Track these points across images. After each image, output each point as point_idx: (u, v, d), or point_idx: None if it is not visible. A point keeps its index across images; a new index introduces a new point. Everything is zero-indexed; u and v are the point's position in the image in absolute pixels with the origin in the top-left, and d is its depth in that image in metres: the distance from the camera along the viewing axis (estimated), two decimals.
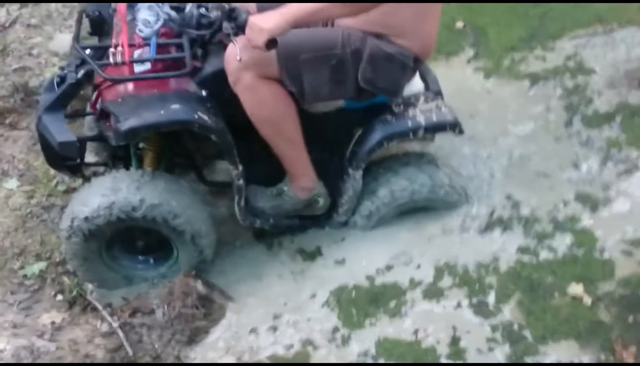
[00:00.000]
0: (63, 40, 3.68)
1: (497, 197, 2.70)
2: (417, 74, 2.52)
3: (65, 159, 2.43)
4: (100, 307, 2.43)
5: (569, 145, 2.88)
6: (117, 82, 2.28)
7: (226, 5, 2.10)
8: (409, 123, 2.41)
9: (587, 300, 2.31)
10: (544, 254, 2.47)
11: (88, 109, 2.60)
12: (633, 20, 3.39)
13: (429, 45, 2.36)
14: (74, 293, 2.50)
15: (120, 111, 2.20)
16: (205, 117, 2.21)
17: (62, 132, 2.27)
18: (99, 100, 2.36)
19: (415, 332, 2.27)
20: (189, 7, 2.27)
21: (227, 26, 2.11)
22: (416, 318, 2.31)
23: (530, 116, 3.03)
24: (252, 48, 2.06)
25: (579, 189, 2.67)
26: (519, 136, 2.96)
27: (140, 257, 2.50)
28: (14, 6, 4.02)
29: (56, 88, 2.32)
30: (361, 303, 2.37)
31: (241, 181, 2.37)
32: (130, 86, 2.29)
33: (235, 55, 2.13)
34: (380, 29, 2.27)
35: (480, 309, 2.32)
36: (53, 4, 3.98)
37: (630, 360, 2.12)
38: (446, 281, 2.41)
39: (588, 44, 3.31)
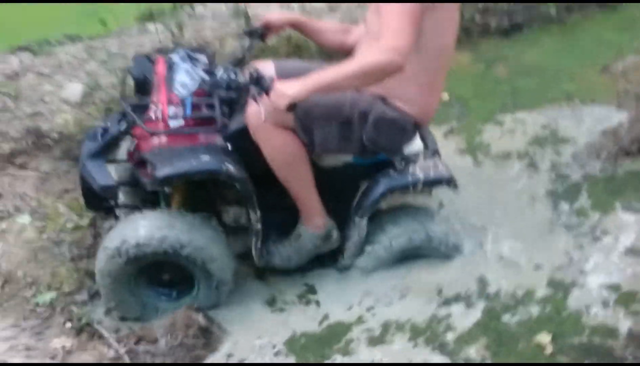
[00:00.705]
0: (73, 89, 3.93)
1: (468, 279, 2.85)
2: (418, 134, 2.82)
3: (102, 201, 2.71)
4: (107, 334, 2.63)
5: (544, 223, 3.10)
6: (155, 135, 2.56)
7: (254, 73, 2.39)
8: (410, 178, 2.70)
9: (550, 349, 2.50)
10: (517, 316, 2.64)
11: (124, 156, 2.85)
12: (597, 99, 3.78)
13: (429, 113, 2.69)
14: (83, 321, 2.70)
15: (157, 160, 2.50)
16: (231, 168, 2.51)
17: (104, 177, 2.59)
18: (137, 150, 2.64)
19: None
20: (220, 72, 2.57)
21: (253, 90, 2.40)
22: (370, 354, 2.54)
23: (506, 192, 3.30)
24: (274, 110, 2.37)
25: (553, 275, 2.82)
26: (491, 212, 3.19)
27: (161, 289, 2.73)
28: (26, 55, 4.30)
29: (99, 138, 2.64)
30: (313, 347, 2.60)
31: (259, 225, 2.65)
32: (165, 138, 2.57)
33: (256, 111, 2.44)
34: (386, 92, 2.57)
35: (442, 348, 2.53)
36: (64, 56, 4.27)
37: None
38: (400, 332, 2.63)
39: (558, 117, 3.69)
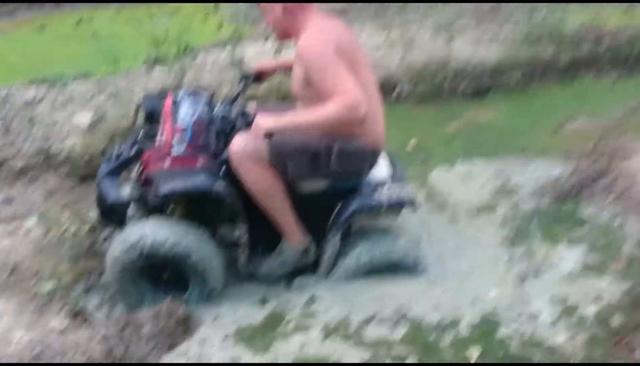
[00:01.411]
0: (83, 118, 4.42)
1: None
2: (387, 163, 3.28)
3: (114, 213, 3.16)
4: (98, 319, 3.01)
5: (490, 258, 3.42)
6: (160, 158, 3.02)
7: (241, 109, 2.92)
8: (376, 200, 3.13)
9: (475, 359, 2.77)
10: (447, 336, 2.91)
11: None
12: (546, 154, 4.27)
13: (378, 140, 3.13)
14: (77, 307, 3.08)
15: (160, 179, 2.97)
16: (221, 187, 2.98)
17: (116, 193, 3.10)
18: (144, 171, 3.11)
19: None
20: (217, 108, 3.08)
21: (240, 122, 2.91)
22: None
23: (462, 230, 3.69)
24: (255, 138, 2.85)
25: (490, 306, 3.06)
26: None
27: (158, 285, 3.11)
28: (42, 87, 4.79)
29: (114, 160, 3.12)
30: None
31: (246, 239, 3.10)
32: (168, 161, 3.02)
33: (237, 146, 2.93)
34: (345, 133, 3.00)
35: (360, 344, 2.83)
36: (77, 89, 4.76)
37: None
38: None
39: (510, 166, 4.17)
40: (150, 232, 2.97)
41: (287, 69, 3.41)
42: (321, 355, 2.79)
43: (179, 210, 3.14)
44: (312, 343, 2.86)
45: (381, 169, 3.28)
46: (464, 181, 4.09)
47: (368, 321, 2.97)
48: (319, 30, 2.92)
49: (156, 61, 4.89)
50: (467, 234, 3.66)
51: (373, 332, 2.91)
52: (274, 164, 3.00)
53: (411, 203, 3.20)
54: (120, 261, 2.98)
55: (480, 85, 5.08)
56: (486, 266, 3.41)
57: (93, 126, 4.36)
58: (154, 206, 3.12)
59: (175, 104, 3.11)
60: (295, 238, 3.17)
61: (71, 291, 3.19)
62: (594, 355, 2.78)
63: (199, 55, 4.97)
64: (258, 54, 5.05)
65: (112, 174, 3.12)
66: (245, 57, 4.83)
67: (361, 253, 3.22)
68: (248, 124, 2.86)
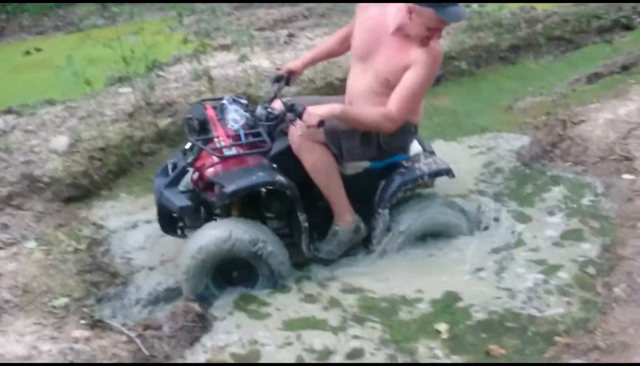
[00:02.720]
0: (60, 141, 4.49)
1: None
2: (417, 141, 3.56)
3: (175, 224, 3.33)
4: (118, 325, 3.14)
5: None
6: (216, 162, 3.22)
7: (288, 103, 3.11)
8: (417, 172, 3.41)
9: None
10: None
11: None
12: (503, 131, 4.62)
13: (419, 117, 3.45)
14: (95, 317, 3.19)
15: (223, 181, 3.15)
16: (282, 178, 3.19)
17: (181, 200, 3.23)
18: (201, 178, 3.29)
19: None
20: (258, 109, 3.31)
21: (289, 115, 3.11)
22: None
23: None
24: (307, 127, 3.07)
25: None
26: None
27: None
28: (11, 116, 4.84)
29: (170, 172, 3.30)
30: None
31: (306, 224, 3.31)
32: (223, 165, 3.22)
33: (296, 132, 3.16)
34: None
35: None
36: (46, 115, 4.83)
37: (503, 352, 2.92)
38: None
39: (474, 145, 4.50)
40: (239, 230, 3.16)
41: (314, 61, 3.72)
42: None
43: (235, 211, 3.33)
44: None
45: (415, 145, 3.56)
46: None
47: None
48: (440, 51, 3.27)
49: (121, 80, 5.00)
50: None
51: None
52: (330, 143, 3.25)
53: (448, 172, 3.46)
54: (205, 252, 3.15)
55: None
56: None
57: (71, 148, 4.44)
58: (215, 208, 3.31)
59: (222, 110, 3.33)
60: (347, 218, 3.41)
61: (84, 303, 3.30)
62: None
63: (165, 70, 5.11)
64: (221, 64, 5.25)
65: (171, 185, 3.29)
66: (210, 68, 4.99)
67: (410, 222, 3.47)
68: (299, 114, 3.07)
